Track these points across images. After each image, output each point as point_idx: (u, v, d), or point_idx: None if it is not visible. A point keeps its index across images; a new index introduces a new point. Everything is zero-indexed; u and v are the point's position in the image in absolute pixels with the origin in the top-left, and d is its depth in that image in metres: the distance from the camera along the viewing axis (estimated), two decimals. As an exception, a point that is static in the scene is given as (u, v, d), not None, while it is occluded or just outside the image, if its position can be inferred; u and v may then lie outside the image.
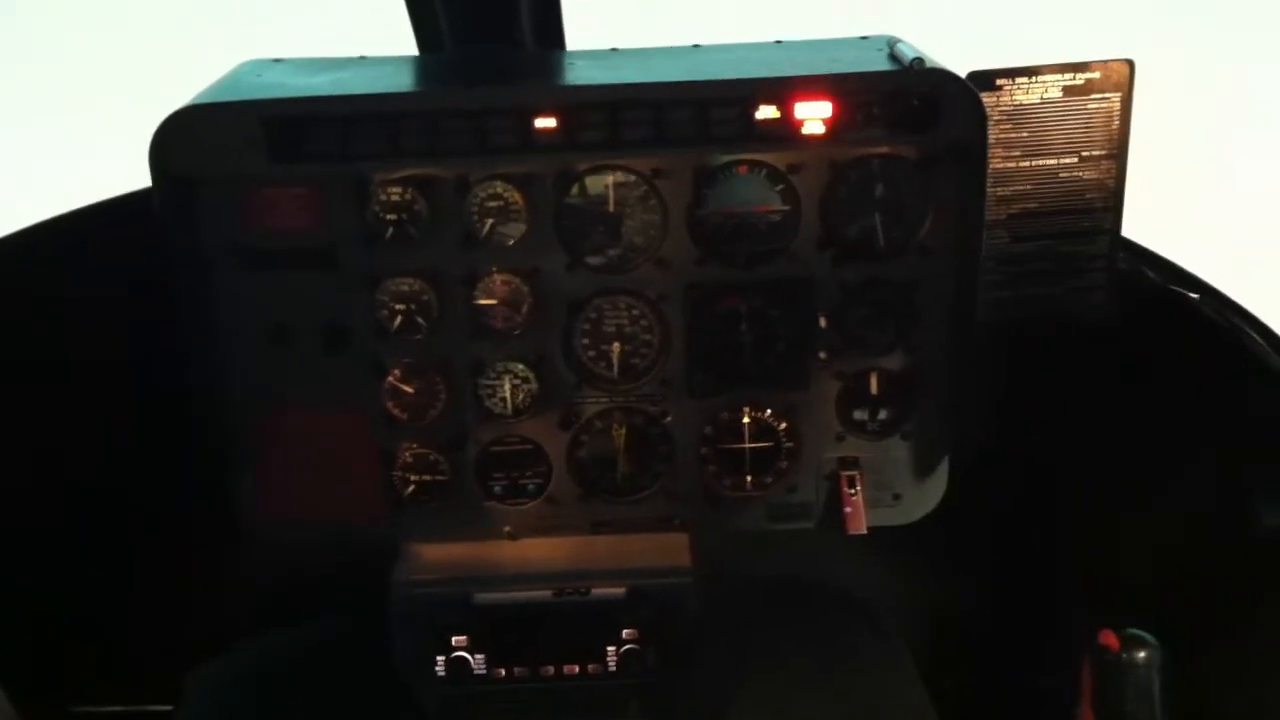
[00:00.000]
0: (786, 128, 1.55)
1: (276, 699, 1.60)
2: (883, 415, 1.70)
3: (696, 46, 1.74)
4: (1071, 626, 1.50)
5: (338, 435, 1.71)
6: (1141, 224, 1.73)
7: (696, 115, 1.56)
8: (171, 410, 1.68)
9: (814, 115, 1.54)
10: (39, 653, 1.74)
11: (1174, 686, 1.40)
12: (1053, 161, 1.64)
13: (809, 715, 1.44)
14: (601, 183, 1.60)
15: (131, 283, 1.68)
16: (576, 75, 1.68)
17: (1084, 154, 1.63)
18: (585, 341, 1.65)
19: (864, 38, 1.72)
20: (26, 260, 1.80)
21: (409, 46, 1.79)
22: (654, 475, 1.73)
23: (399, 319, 1.62)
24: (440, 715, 1.73)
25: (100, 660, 1.91)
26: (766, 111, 1.55)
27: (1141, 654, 1.38)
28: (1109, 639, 1.38)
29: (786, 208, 1.60)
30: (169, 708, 1.74)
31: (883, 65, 1.59)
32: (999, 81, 1.60)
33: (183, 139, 1.55)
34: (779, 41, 1.73)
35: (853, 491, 1.68)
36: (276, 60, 1.75)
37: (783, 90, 1.54)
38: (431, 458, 1.70)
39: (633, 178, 1.59)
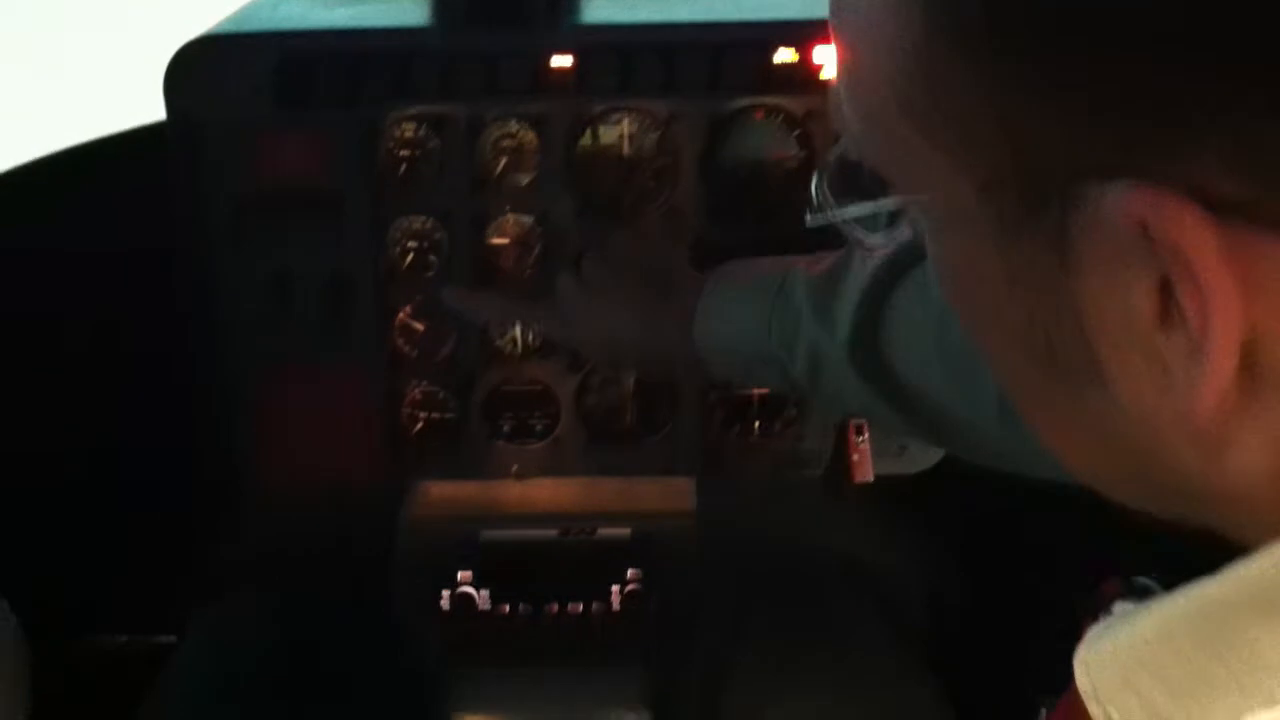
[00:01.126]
0: (804, 72, 1.54)
1: (282, 633, 1.61)
2: None
3: None
4: (1074, 580, 1.51)
5: (345, 387, 1.71)
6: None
7: (712, 59, 1.54)
8: (173, 362, 1.67)
9: (832, 59, 1.53)
10: (39, 585, 1.75)
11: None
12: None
13: (808, 675, 1.45)
14: (615, 127, 1.59)
15: (128, 231, 1.66)
16: (593, 15, 1.67)
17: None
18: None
19: None
20: (11, 204, 1.77)
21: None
22: (661, 422, 1.74)
23: (410, 256, 1.61)
24: (444, 650, 1.75)
25: (104, 594, 1.92)
26: (784, 55, 1.53)
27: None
28: (1110, 588, 1.39)
29: (802, 153, 1.59)
30: (173, 638, 1.75)
31: None
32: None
33: (192, 74, 1.53)
34: None
35: (860, 439, 1.68)
36: None
37: (800, 33, 1.53)
38: (440, 396, 1.70)
39: (647, 122, 1.58)
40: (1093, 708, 0.56)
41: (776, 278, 1.29)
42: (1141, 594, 1.39)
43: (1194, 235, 0.45)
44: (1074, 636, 1.55)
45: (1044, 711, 1.69)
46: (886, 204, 0.63)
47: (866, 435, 1.69)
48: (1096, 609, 1.45)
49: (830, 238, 1.60)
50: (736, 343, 1.32)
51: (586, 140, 1.59)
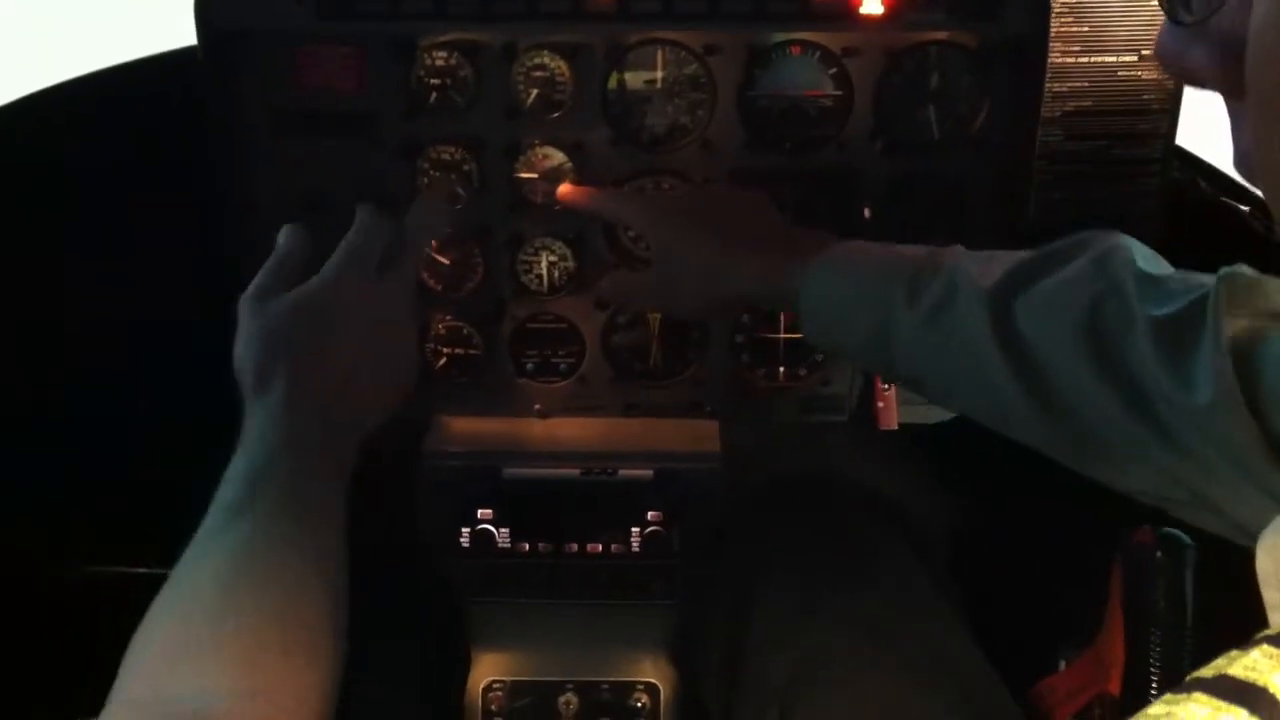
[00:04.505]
0: (844, 7, 1.50)
1: None
2: None
3: None
4: (1102, 529, 1.49)
5: None
6: (1195, 133, 1.68)
7: None
8: (204, 282, 1.66)
9: (873, -5, 1.49)
10: (51, 513, 1.75)
11: (1206, 588, 1.39)
12: (1112, 59, 1.58)
13: (832, 611, 1.44)
14: (651, 58, 1.56)
15: (162, 148, 1.64)
16: None
17: (1144, 53, 1.58)
18: None
19: None
20: (49, 124, 1.75)
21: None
22: (686, 361, 1.72)
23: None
24: (464, 586, 1.76)
25: (120, 522, 1.92)
26: (825, -11, 1.50)
27: (1175, 554, 1.38)
28: (1144, 537, 1.37)
29: (839, 93, 1.56)
30: None
31: None
32: (1064, -29, 1.55)
33: None
34: None
35: (886, 387, 1.66)
36: None
37: None
38: (465, 331, 1.69)
39: (683, 53, 1.55)
40: (1269, 594, 0.57)
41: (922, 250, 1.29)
42: (1170, 545, 1.37)
43: None
44: (1100, 587, 1.53)
45: (1063, 664, 1.69)
46: None
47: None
48: (1132, 559, 1.44)
49: (864, 183, 1.59)
50: (855, 292, 1.29)
51: (620, 71, 1.56)
